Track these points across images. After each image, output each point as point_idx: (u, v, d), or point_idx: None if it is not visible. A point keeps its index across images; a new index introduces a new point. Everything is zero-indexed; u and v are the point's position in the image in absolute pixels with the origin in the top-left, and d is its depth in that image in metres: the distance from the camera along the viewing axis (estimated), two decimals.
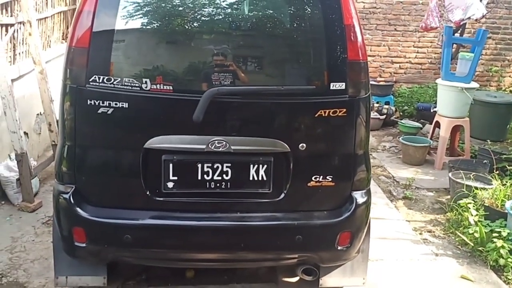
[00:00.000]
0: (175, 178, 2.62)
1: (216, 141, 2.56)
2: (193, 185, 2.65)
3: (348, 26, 2.60)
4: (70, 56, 2.53)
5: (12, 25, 4.69)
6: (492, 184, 4.63)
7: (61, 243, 2.77)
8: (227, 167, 2.64)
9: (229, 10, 2.76)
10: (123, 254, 2.82)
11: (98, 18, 2.49)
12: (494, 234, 3.94)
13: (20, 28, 4.84)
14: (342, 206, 2.76)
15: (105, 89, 2.50)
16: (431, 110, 6.70)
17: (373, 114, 7.40)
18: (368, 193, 2.85)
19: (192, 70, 2.67)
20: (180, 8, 2.69)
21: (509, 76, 8.90)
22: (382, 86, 8.23)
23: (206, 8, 2.70)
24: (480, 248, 4.00)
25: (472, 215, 4.22)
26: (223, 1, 2.74)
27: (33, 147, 5.20)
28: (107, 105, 2.50)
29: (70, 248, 2.73)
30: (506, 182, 4.53)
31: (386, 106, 7.81)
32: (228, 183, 2.65)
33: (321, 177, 2.70)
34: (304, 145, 2.64)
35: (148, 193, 2.62)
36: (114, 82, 2.50)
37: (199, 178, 2.63)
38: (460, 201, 4.46)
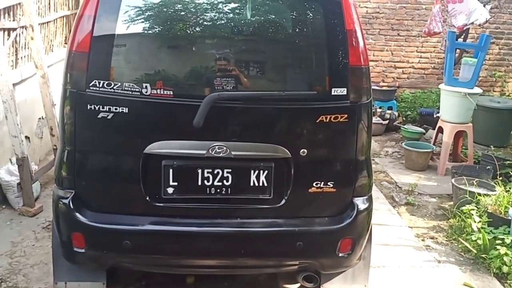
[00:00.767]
0: (175, 183, 2.61)
1: (217, 147, 2.54)
2: (193, 191, 2.63)
3: (349, 31, 2.59)
4: (70, 60, 2.53)
5: (14, 29, 4.70)
6: (495, 191, 4.60)
7: (60, 249, 2.75)
8: (227, 172, 2.62)
9: (231, 15, 2.74)
10: (123, 260, 2.80)
11: (98, 22, 2.48)
12: (498, 241, 3.90)
13: (22, 32, 4.85)
14: (343, 213, 2.74)
15: (105, 94, 2.48)
16: (434, 116, 6.67)
17: (376, 119, 7.38)
18: (370, 199, 2.83)
19: (193, 75, 2.66)
20: (182, 13, 2.68)
21: None
22: (385, 91, 8.22)
23: (207, 12, 2.69)
24: (483, 255, 3.97)
25: (475, 222, 4.19)
26: (225, 6, 2.73)
27: (34, 151, 5.20)
28: (107, 110, 2.49)
29: (69, 254, 2.71)
30: (510, 188, 4.50)
31: (389, 111, 7.79)
32: (229, 189, 2.64)
33: (322, 183, 2.68)
34: (305, 151, 2.62)
35: (148, 198, 2.61)
36: (114, 87, 2.49)
37: (199, 183, 2.61)
38: (463, 208, 4.43)
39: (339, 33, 2.60)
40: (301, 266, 2.92)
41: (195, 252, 2.74)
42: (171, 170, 2.59)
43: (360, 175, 2.74)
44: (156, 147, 2.54)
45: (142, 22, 2.61)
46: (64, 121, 2.58)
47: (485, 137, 6.51)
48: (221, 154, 2.54)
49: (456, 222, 4.57)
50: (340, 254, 2.75)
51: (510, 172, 5.04)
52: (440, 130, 6.16)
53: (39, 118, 5.34)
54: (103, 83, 2.48)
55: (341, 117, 2.61)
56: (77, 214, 2.59)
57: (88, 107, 2.50)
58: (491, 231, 4.08)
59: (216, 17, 2.70)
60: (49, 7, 5.73)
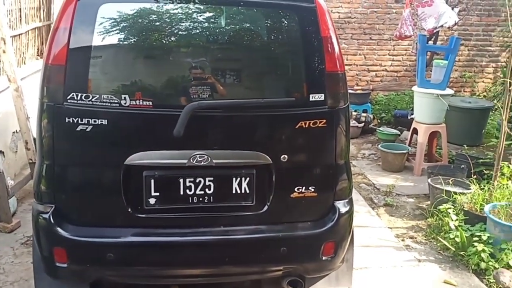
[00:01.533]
0: (157, 194, 2.60)
1: (198, 155, 2.54)
2: (176, 201, 2.63)
3: (325, 38, 2.63)
4: (46, 73, 2.50)
5: None
6: (470, 189, 4.69)
7: (42, 264, 2.71)
8: (209, 181, 2.62)
9: (206, 24, 2.75)
10: (107, 273, 2.76)
11: (74, 34, 2.46)
12: (475, 238, 3.98)
13: None
14: (325, 216, 2.77)
15: (84, 106, 2.47)
16: (408, 117, 6.78)
17: (352, 122, 7.45)
18: (351, 202, 2.87)
19: (171, 85, 2.66)
20: (157, 23, 2.68)
21: (482, 82, 9.10)
22: (360, 94, 8.32)
23: (183, 22, 2.69)
24: (461, 253, 4.05)
25: (452, 220, 4.27)
26: (200, 15, 2.74)
27: (9, 165, 5.10)
28: (86, 122, 2.47)
29: (51, 269, 2.67)
30: (484, 186, 4.60)
31: (364, 114, 7.89)
32: (211, 197, 2.64)
33: (304, 188, 2.71)
34: (286, 156, 2.64)
35: (130, 210, 2.59)
36: (93, 99, 2.47)
37: (181, 193, 2.61)
38: (440, 207, 4.51)
39: (314, 40, 2.64)
40: (285, 271, 2.93)
41: (180, 262, 2.73)
42: (152, 181, 2.58)
43: (340, 179, 2.78)
44: (137, 158, 2.53)
45: (118, 33, 2.60)
46: (42, 135, 2.55)
47: (458, 137, 6.63)
48: (202, 163, 2.55)
49: (434, 221, 4.66)
50: (324, 258, 2.78)
51: (484, 170, 5.15)
52: (415, 131, 6.27)
53: (13, 132, 5.25)
54: (81, 95, 2.46)
55: (320, 122, 2.65)
56: (58, 229, 2.55)
57: (66, 120, 2.47)
58: (468, 228, 4.17)
59: (191, 26, 2.71)
60: (20, 19, 5.64)
